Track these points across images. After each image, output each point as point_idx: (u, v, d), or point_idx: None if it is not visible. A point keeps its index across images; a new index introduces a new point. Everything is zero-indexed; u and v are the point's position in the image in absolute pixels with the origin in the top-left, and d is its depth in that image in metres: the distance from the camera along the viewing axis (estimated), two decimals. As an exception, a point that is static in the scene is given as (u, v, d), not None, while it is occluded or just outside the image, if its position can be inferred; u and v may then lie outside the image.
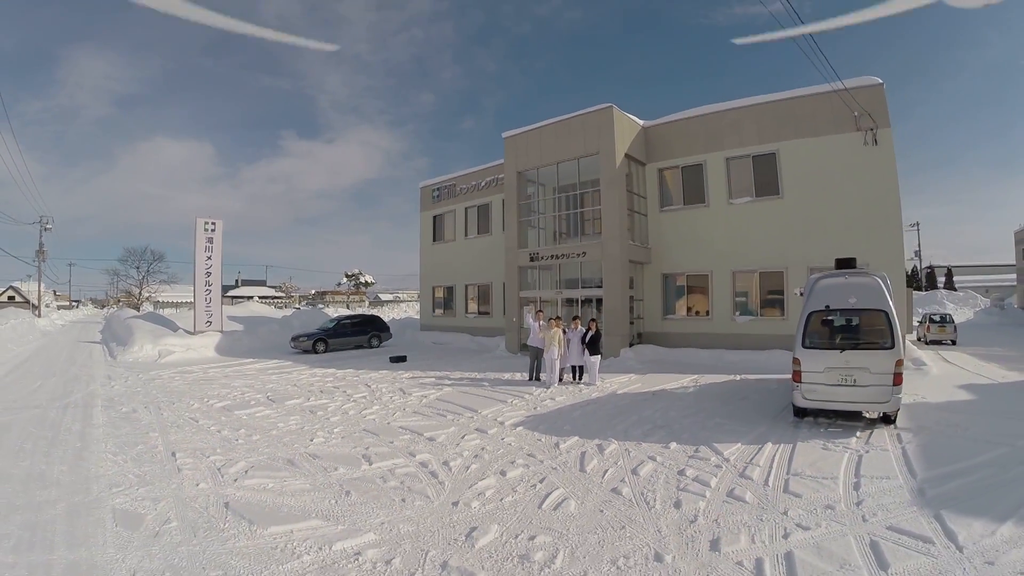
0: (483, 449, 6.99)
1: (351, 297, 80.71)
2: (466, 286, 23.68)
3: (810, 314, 7.41)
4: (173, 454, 6.34)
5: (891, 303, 7.12)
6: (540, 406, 9.68)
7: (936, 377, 11.09)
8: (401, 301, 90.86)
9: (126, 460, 6.14)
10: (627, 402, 9.77)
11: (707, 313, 15.73)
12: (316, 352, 19.44)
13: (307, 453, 6.57)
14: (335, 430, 7.81)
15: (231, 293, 60.13)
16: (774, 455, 6.28)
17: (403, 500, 5.20)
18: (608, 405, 9.56)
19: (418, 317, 33.94)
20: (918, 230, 43.73)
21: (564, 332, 11.90)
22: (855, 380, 6.86)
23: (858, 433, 6.87)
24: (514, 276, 18.09)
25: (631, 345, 15.88)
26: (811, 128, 13.73)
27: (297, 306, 63.13)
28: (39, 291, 36.97)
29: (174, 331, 19.40)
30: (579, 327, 12.13)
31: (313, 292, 79.40)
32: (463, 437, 7.56)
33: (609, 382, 11.89)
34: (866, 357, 6.90)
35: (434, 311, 25.45)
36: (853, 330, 7.32)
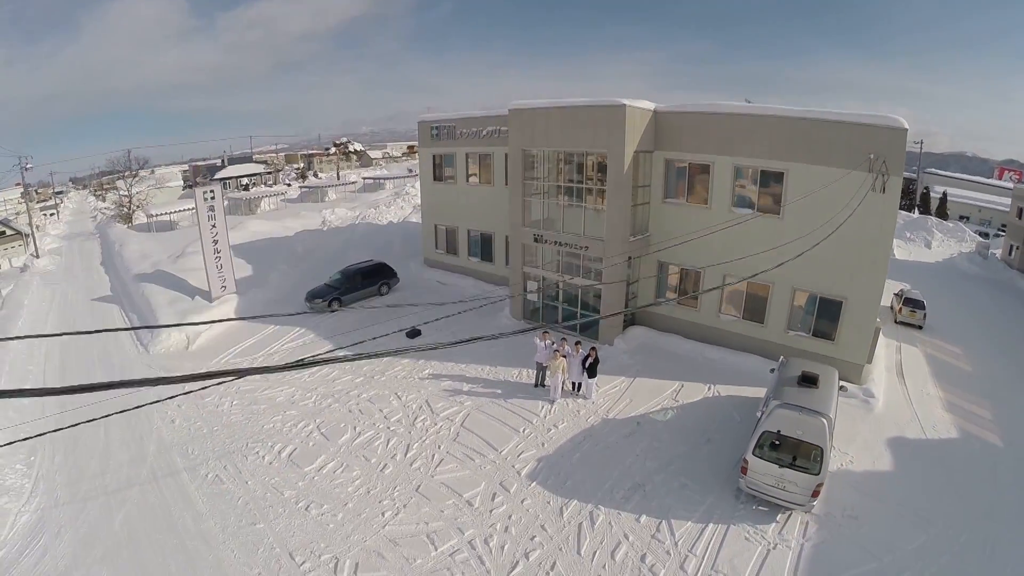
0: (510, 518, 10.38)
1: (341, 162, 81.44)
2: (468, 231, 25.49)
3: (764, 432, 10.22)
4: (292, 555, 9.51)
5: (828, 442, 9.83)
6: (547, 440, 12.93)
7: (877, 417, 13.65)
8: (393, 161, 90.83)
9: (263, 573, 9.21)
10: (615, 438, 12.97)
11: (695, 303, 18.28)
12: (332, 311, 22.14)
13: (387, 538, 9.88)
14: (395, 493, 11.05)
15: (219, 175, 59.96)
16: (709, 542, 9.69)
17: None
18: (599, 444, 12.77)
19: (417, 220, 36.10)
20: (920, 147, 43.56)
21: (565, 356, 14.70)
22: (784, 488, 9.96)
23: (778, 517, 10.21)
24: (518, 251, 20.12)
25: (624, 328, 18.76)
26: (823, 156, 14.53)
27: (288, 183, 63.58)
28: (32, 229, 37.71)
29: (192, 298, 21.59)
30: (580, 350, 14.89)
31: (301, 164, 78.72)
32: (493, 499, 10.90)
33: (603, 394, 14.97)
34: (797, 476, 9.85)
35: (436, 247, 27.50)
36: (792, 454, 10.03)
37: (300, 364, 4.15)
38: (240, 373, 3.45)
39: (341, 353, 17.03)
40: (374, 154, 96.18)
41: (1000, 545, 9.63)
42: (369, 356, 4.29)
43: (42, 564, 9.50)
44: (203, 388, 6.53)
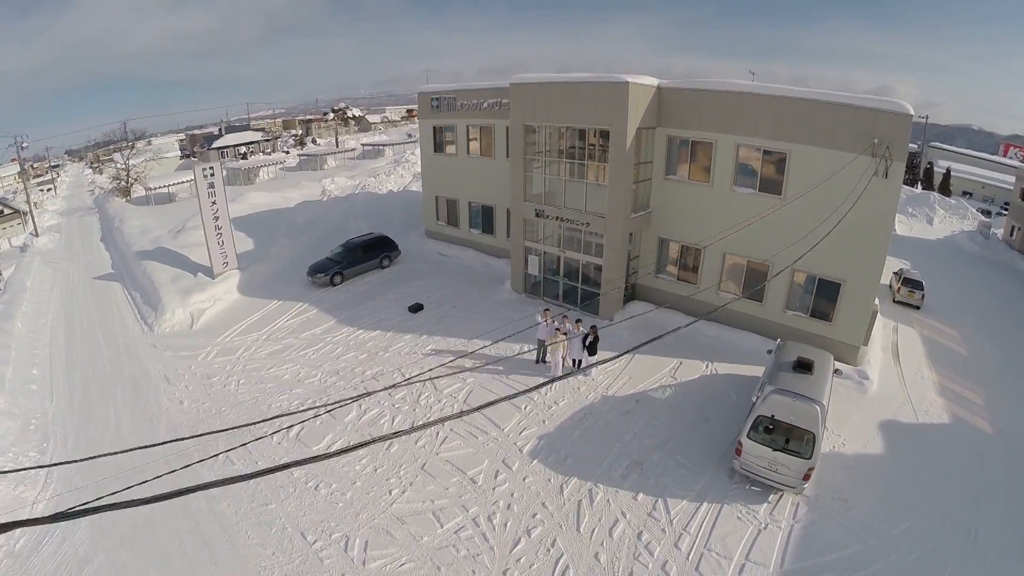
0: (512, 495, 10.74)
1: (339, 127, 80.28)
2: (469, 203, 25.33)
3: (759, 416, 10.46)
4: (304, 534, 9.88)
5: (821, 428, 10.07)
6: (548, 418, 13.23)
7: (871, 400, 13.76)
8: (392, 126, 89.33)
9: (276, 552, 9.58)
10: (613, 415, 13.26)
11: (695, 276, 18.34)
12: (334, 285, 22.22)
13: (395, 516, 10.25)
14: (401, 472, 11.39)
15: (217, 144, 58.94)
16: (703, 520, 10.06)
17: (474, 572, 9.04)
18: (599, 421, 13.06)
19: (417, 189, 35.84)
20: (926, 121, 42.48)
21: (566, 334, 14.89)
22: (777, 470, 10.26)
23: (770, 498, 10.55)
24: (519, 226, 20.06)
25: (624, 302, 18.91)
26: (827, 139, 14.38)
27: (286, 151, 62.67)
28: (30, 208, 37.06)
29: (194, 275, 21.56)
30: (581, 329, 15.07)
31: (299, 130, 77.34)
32: (496, 476, 11.25)
33: (603, 370, 15.19)
34: (789, 459, 10.13)
35: (437, 219, 27.37)
36: (785, 438, 10.31)
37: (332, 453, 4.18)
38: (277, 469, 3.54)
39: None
40: (373, 119, 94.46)
41: (983, 532, 9.92)
42: (408, 432, 4.37)
43: (62, 551, 9.81)
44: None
